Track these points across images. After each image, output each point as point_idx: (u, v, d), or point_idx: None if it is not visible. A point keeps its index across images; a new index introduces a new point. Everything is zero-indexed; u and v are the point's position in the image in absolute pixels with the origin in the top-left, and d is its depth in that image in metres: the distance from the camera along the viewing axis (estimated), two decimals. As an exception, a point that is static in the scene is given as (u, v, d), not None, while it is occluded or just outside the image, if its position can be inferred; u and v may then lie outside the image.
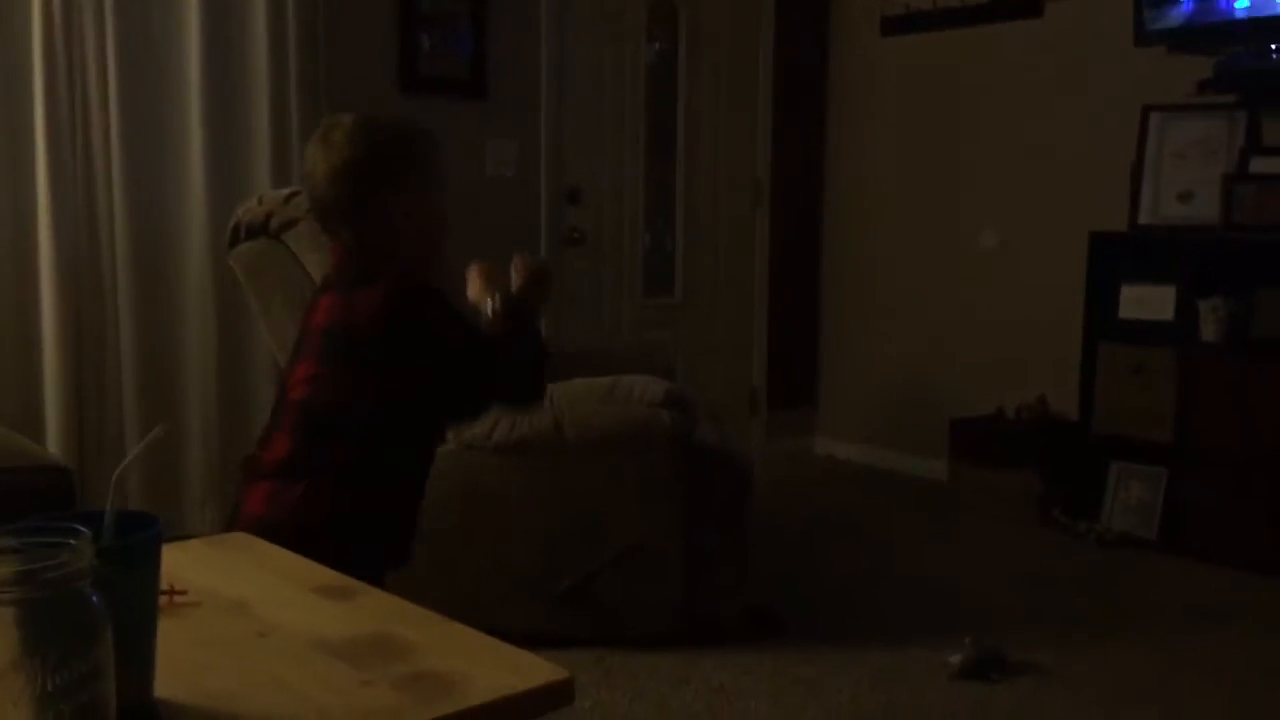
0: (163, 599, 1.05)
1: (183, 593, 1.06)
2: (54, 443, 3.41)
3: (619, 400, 3.00)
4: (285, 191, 3.10)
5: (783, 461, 5.32)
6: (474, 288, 1.89)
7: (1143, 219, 4.31)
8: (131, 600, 0.80)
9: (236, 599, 1.06)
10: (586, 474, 3.01)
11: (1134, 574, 3.88)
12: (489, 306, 1.82)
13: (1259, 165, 4.07)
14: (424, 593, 2.98)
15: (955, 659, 2.98)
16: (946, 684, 2.93)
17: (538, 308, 1.88)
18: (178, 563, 1.15)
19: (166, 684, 0.86)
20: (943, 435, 4.76)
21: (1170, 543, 4.08)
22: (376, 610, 1.05)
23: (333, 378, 1.71)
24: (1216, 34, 4.04)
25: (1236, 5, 3.94)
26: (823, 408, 5.59)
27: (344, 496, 1.67)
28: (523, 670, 0.92)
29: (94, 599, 0.71)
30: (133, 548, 0.82)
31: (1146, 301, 4.23)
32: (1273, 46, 3.91)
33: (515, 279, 1.89)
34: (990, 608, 3.51)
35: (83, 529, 0.75)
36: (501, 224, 4.50)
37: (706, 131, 5.10)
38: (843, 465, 5.39)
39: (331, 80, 4.01)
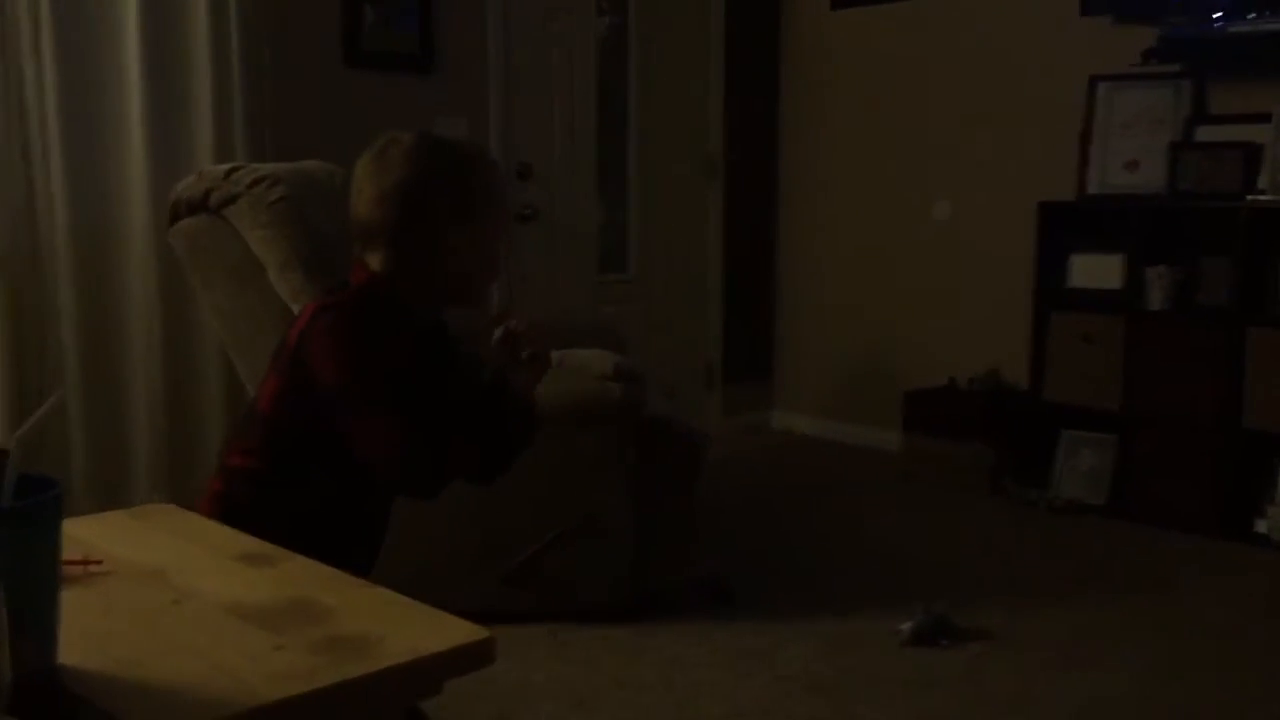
0: (76, 569, 1.03)
1: (97, 562, 1.04)
2: (-4, 426, 3.35)
3: (568, 374, 2.98)
4: (225, 167, 3.05)
5: (740, 435, 5.33)
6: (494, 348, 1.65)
7: (1091, 188, 4.33)
8: (28, 564, 0.78)
9: (154, 568, 1.04)
10: (536, 448, 2.98)
11: (1083, 539, 3.93)
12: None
13: (1204, 134, 4.11)
14: (371, 571, 2.97)
15: (906, 626, 3.00)
16: (897, 651, 2.94)
17: (524, 397, 1.64)
18: (97, 533, 1.13)
19: (73, 651, 0.84)
20: (897, 407, 4.78)
21: (1119, 508, 4.13)
22: (297, 576, 1.03)
23: (270, 386, 1.61)
24: (1161, 3, 4.06)
25: (1180, -26, 3.96)
26: (779, 381, 5.60)
27: (273, 514, 1.54)
28: (441, 631, 0.91)
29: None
30: (27, 510, 0.80)
31: (1095, 270, 4.26)
32: (1215, 15, 3.94)
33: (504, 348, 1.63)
34: (942, 576, 3.53)
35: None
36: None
37: (659, 106, 5.08)
38: (799, 438, 5.40)
39: (275, 55, 3.95)
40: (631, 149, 5.04)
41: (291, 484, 1.61)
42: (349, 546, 1.68)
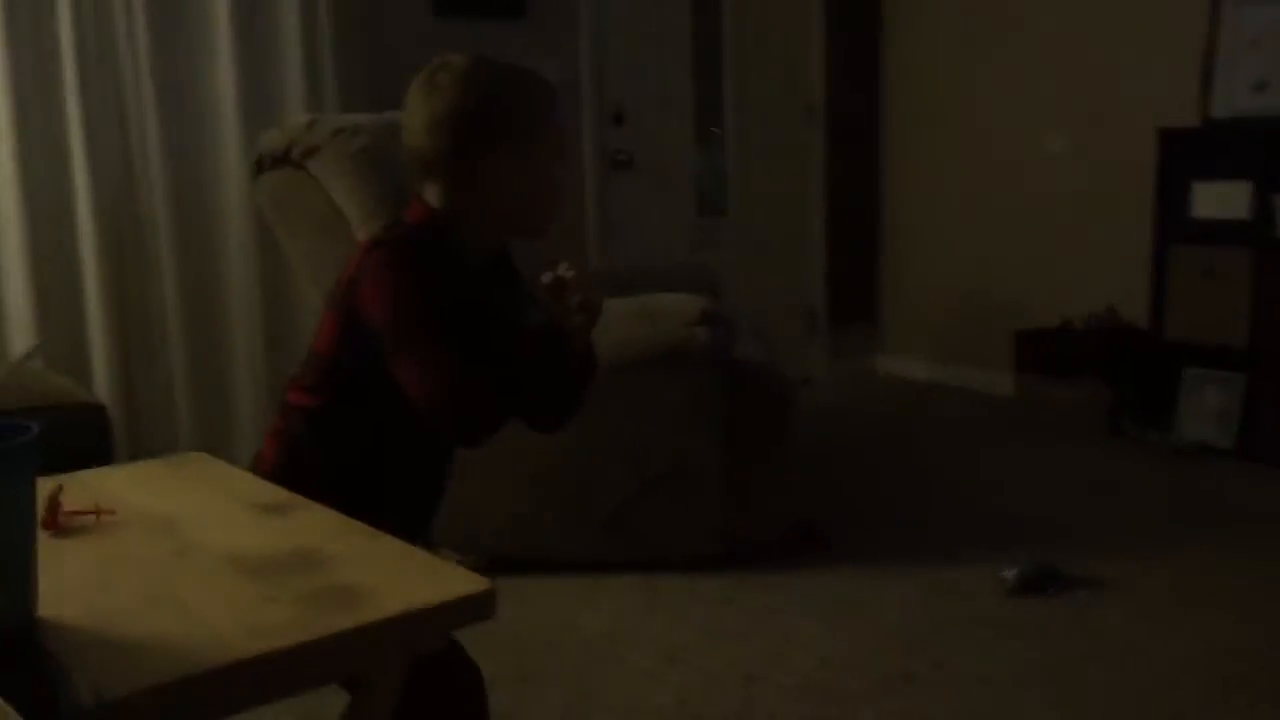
0: (89, 518, 1.01)
1: (110, 512, 1.02)
2: (101, 382, 3.44)
3: (653, 319, 2.92)
4: (307, 119, 3.05)
5: (844, 381, 5.22)
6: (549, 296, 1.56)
7: (1215, 112, 4.07)
8: (2, 510, 0.76)
9: (168, 518, 1.02)
10: (622, 396, 2.94)
11: (1208, 483, 3.73)
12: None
13: (1340, 48, 3.82)
14: (463, 522, 2.97)
15: (1010, 574, 2.88)
16: (1001, 600, 2.83)
17: (574, 345, 1.54)
18: (123, 482, 1.12)
19: (58, 603, 0.82)
20: (1009, 348, 4.61)
21: (1247, 450, 3.91)
22: (309, 526, 1.00)
23: (328, 326, 1.56)
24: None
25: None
26: (884, 325, 5.45)
27: (330, 452, 1.53)
28: (441, 582, 0.86)
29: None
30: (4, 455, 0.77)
31: (1220, 199, 4.01)
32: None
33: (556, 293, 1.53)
34: (1054, 522, 3.39)
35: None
36: (544, 148, 4.41)
37: (756, 47, 4.94)
38: (906, 383, 5.25)
39: (364, 6, 3.94)
40: (728, 91, 4.91)
41: (348, 424, 1.57)
42: (405, 491, 1.64)
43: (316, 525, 0.99)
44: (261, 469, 1.58)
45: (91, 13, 3.36)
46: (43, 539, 0.98)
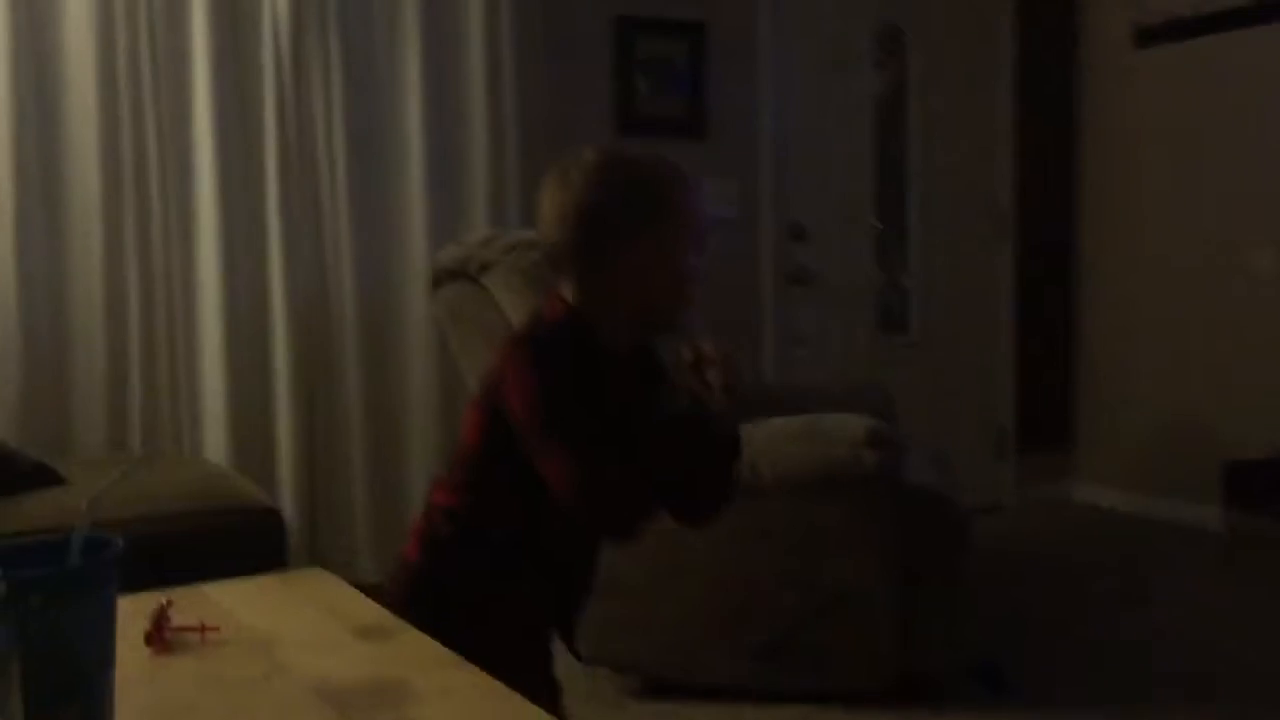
0: (194, 635, 1.01)
1: (215, 629, 1.01)
2: (285, 486, 3.56)
3: (818, 440, 2.83)
4: (483, 235, 3.13)
5: (1034, 509, 4.95)
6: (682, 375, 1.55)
7: None
8: (72, 629, 0.75)
9: (267, 637, 1.01)
10: (784, 518, 2.85)
11: None
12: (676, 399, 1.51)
13: None
14: (622, 640, 2.91)
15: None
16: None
17: (717, 426, 1.49)
18: (235, 597, 1.12)
19: (136, 724, 0.81)
20: (1217, 479, 4.28)
21: None
22: (402, 655, 0.97)
23: (472, 423, 1.56)
24: None
25: None
26: (1081, 450, 5.17)
27: (473, 550, 1.53)
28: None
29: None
30: (81, 572, 0.77)
31: None
32: None
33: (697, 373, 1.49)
34: (1261, 675, 3.09)
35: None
36: (723, 265, 4.42)
37: (942, 160, 4.85)
38: (1103, 513, 4.95)
39: (550, 123, 4.06)
40: (913, 206, 4.83)
41: (492, 520, 1.55)
42: (549, 587, 1.61)
43: (410, 654, 0.96)
44: (403, 569, 1.58)
45: (294, 131, 3.57)
46: (146, 655, 0.98)
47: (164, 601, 1.03)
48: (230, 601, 1.08)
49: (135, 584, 2.60)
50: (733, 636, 2.90)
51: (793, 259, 4.57)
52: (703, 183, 1.65)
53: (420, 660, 0.95)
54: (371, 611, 1.07)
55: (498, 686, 0.88)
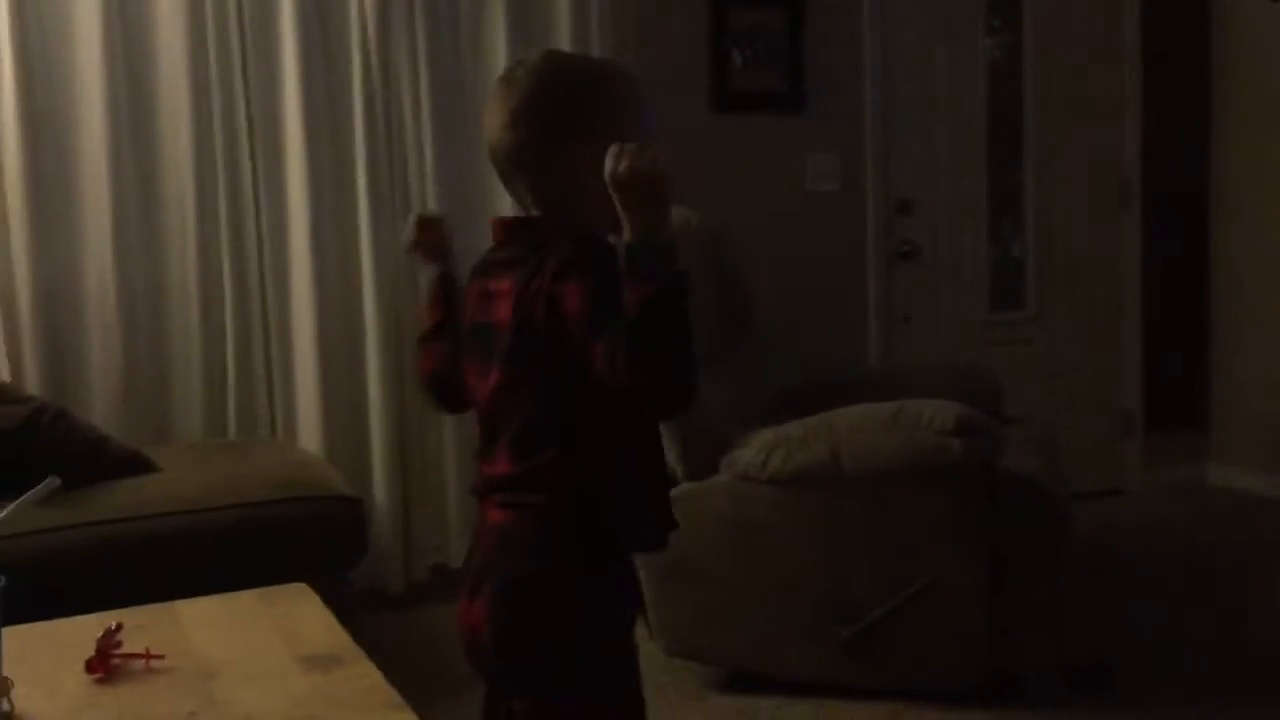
0: (139, 662, 0.98)
1: (160, 657, 0.98)
2: (379, 475, 3.58)
3: (903, 427, 2.70)
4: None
5: (1163, 493, 4.69)
6: None
7: None
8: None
9: (210, 667, 0.98)
10: (869, 508, 2.74)
11: None
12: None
13: None
14: (707, 632, 2.85)
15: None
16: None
17: (653, 232, 1.31)
18: (201, 619, 1.09)
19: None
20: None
21: None
22: (341, 691, 0.92)
23: (533, 382, 1.44)
24: None
25: None
26: (1215, 431, 4.87)
27: (577, 500, 1.43)
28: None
29: None
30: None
31: None
32: None
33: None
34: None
35: None
36: (825, 241, 4.29)
37: (1060, 127, 4.61)
38: (1238, 497, 4.65)
39: (641, 104, 3.99)
40: (1028, 176, 4.60)
41: (607, 447, 1.45)
42: (661, 489, 1.55)
43: (350, 691, 0.92)
44: (487, 534, 1.48)
45: (382, 115, 3.57)
46: (85, 683, 0.96)
47: (113, 625, 1.01)
48: (195, 623, 1.05)
49: (207, 571, 2.61)
50: (819, 629, 2.80)
51: (899, 234, 4.41)
52: (641, 82, 1.56)
53: (356, 698, 0.90)
54: (332, 638, 1.03)
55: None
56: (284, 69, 3.46)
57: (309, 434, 3.55)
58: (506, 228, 1.54)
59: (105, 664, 0.97)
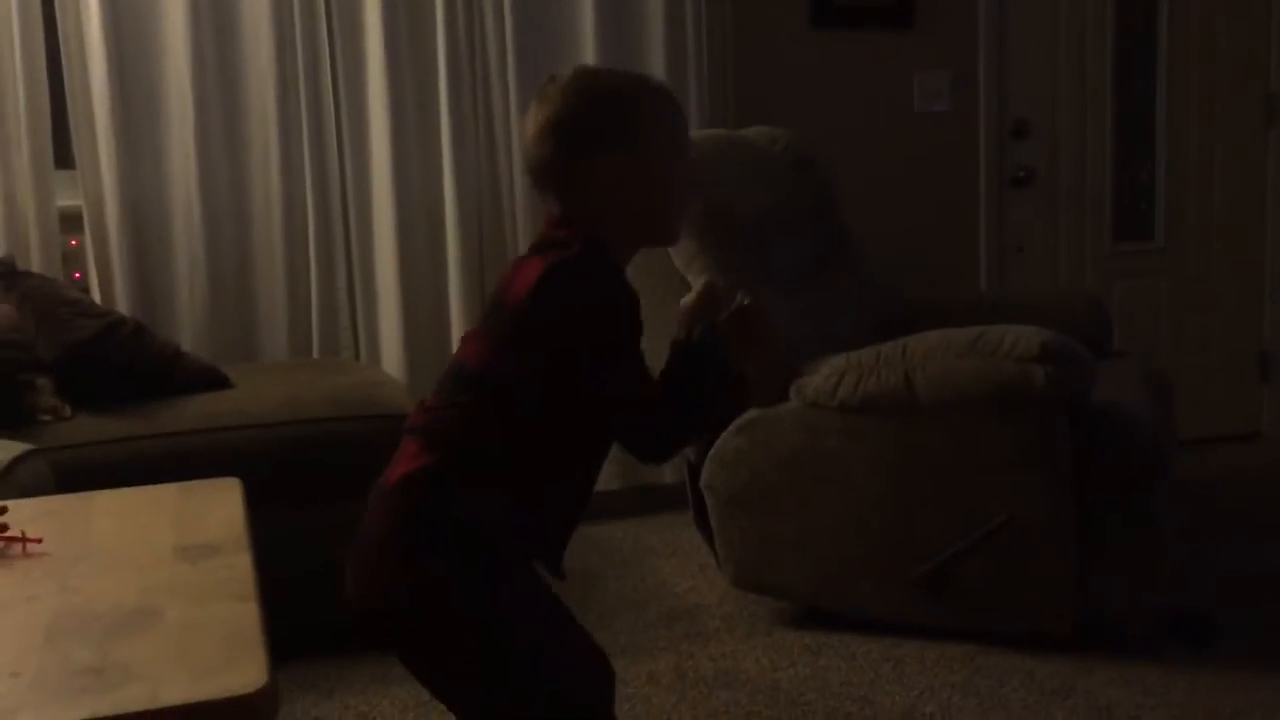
0: (15, 545, 0.93)
1: (37, 541, 0.93)
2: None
3: (983, 354, 2.52)
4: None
5: (1303, 439, 4.36)
6: (683, 313, 1.53)
7: None
8: None
9: (83, 554, 0.93)
10: (948, 438, 2.58)
11: None
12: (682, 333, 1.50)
13: None
14: (780, 567, 2.74)
15: None
16: None
17: (734, 359, 1.48)
18: (113, 508, 1.04)
19: None
20: None
21: None
22: (197, 581, 0.86)
23: (484, 344, 1.49)
24: None
25: None
26: (1365, 373, 4.49)
27: (472, 470, 1.43)
28: (221, 676, 0.67)
29: None
30: None
31: None
32: None
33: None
34: None
35: None
36: (933, 165, 4.07)
37: (1197, 37, 4.25)
38: (1389, 445, 4.30)
39: (738, 18, 3.83)
40: (1161, 94, 4.27)
41: (517, 440, 1.45)
42: (569, 506, 1.53)
43: (207, 581, 0.85)
44: (405, 500, 1.46)
45: (464, 34, 3.49)
46: (-44, 563, 0.92)
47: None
48: (102, 513, 1.00)
49: (270, 482, 2.60)
50: (892, 565, 2.66)
51: (1014, 158, 4.15)
52: (674, 96, 1.58)
53: (207, 588, 0.84)
54: (226, 532, 0.97)
55: (250, 629, 0.76)
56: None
57: (391, 356, 3.54)
58: (546, 224, 1.56)
59: (-22, 546, 0.93)
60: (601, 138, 1.47)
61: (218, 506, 1.07)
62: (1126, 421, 2.57)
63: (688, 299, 1.51)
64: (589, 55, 3.59)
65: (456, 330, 3.56)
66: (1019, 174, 4.14)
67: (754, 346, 1.49)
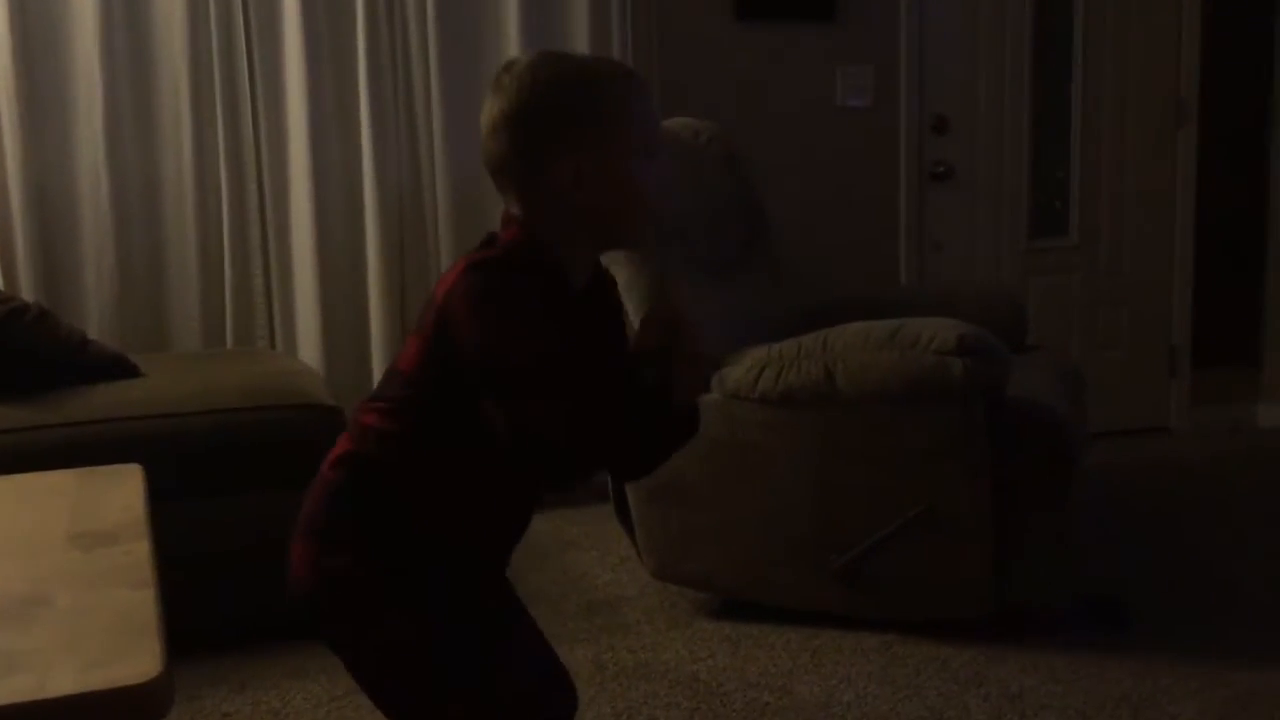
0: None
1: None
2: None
3: (902, 346, 2.54)
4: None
5: (1209, 431, 4.47)
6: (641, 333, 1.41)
7: None
8: None
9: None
10: (866, 430, 2.59)
11: None
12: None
13: None
14: (699, 558, 2.73)
15: None
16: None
17: (671, 381, 1.35)
18: (21, 492, 1.00)
19: None
20: None
21: None
22: (87, 570, 0.82)
23: (414, 343, 1.39)
24: None
25: None
26: (1268, 369, 4.62)
27: (387, 470, 1.38)
28: (111, 667, 0.64)
29: None
30: None
31: None
32: None
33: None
34: None
35: None
36: (854, 160, 4.10)
37: (1112, 41, 4.34)
38: (1290, 438, 4.43)
39: (660, 10, 3.82)
40: (1076, 93, 4.35)
41: (428, 449, 1.40)
42: (485, 524, 1.46)
43: (98, 569, 0.81)
44: (324, 491, 1.43)
45: (385, 18, 3.44)
46: None
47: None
48: (9, 495, 0.95)
49: (181, 474, 2.51)
50: (811, 556, 2.68)
51: (933, 153, 4.20)
52: (647, 85, 1.44)
53: (100, 576, 0.80)
54: (124, 518, 0.93)
55: (145, 618, 0.72)
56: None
57: (309, 347, 3.48)
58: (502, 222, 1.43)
59: None
60: (559, 133, 1.33)
61: (117, 493, 1.03)
62: (1041, 413, 2.61)
63: (654, 318, 1.39)
64: (512, 43, 3.55)
65: (375, 320, 3.51)
66: (938, 169, 4.19)
67: (675, 342, 1.36)
